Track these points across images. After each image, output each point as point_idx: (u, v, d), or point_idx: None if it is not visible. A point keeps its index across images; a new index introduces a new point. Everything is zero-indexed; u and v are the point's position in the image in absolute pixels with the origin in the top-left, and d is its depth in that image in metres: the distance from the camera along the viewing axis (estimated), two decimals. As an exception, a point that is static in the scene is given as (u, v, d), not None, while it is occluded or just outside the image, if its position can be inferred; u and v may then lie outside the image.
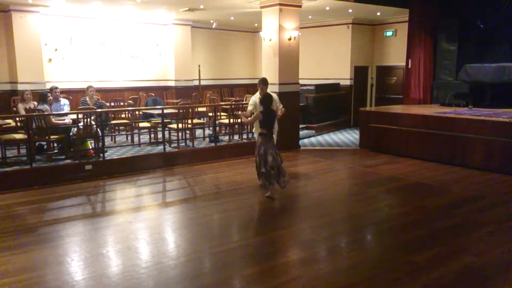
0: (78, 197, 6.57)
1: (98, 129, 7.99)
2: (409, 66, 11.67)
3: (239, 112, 8.10)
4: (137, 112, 10.29)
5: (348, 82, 13.73)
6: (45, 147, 7.93)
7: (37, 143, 7.90)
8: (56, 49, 11.79)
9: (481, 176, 7.66)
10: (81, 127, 7.81)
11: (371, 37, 13.99)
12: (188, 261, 4.31)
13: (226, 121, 9.96)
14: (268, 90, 7.22)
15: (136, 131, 9.36)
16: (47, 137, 7.60)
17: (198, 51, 14.68)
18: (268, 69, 10.04)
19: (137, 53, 13.34)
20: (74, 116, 8.04)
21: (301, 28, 10.40)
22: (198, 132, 10.19)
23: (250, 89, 15.28)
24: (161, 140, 8.80)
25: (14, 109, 9.26)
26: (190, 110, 9.28)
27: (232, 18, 13.16)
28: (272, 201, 6.32)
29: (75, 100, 10.61)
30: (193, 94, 13.04)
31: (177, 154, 8.63)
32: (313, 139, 11.57)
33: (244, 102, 10.46)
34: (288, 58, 9.90)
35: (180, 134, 9.02)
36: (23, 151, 8.07)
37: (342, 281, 3.91)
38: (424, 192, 6.85)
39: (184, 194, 6.93)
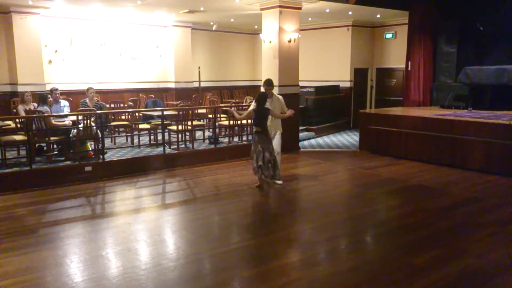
0: (78, 199, 6.56)
1: (98, 131, 7.99)
2: (409, 68, 11.68)
3: (232, 108, 8.12)
4: (137, 114, 10.30)
5: (348, 84, 13.74)
6: (45, 148, 7.93)
7: (37, 145, 7.89)
8: (56, 51, 11.80)
9: (481, 178, 7.66)
10: (81, 128, 7.80)
11: (371, 39, 14.01)
12: (187, 262, 4.31)
13: (226, 122, 9.96)
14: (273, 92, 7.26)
15: (136, 132, 9.35)
16: (47, 139, 7.60)
17: (198, 53, 14.70)
18: (268, 71, 10.04)
19: (137, 54, 13.35)
20: (74, 118, 8.05)
21: (301, 30, 10.41)
22: (198, 134, 10.19)
23: (250, 91, 15.32)
24: (161, 142, 8.80)
25: (14, 110, 9.26)
26: (190, 111, 9.29)
27: (232, 20, 13.19)
28: (261, 190, 6.83)
29: (75, 101, 10.62)
30: (193, 96, 13.06)
31: (177, 155, 8.63)
32: (313, 141, 11.57)
33: (244, 104, 10.47)
34: (288, 60, 9.91)
35: (180, 135, 9.01)
36: (22, 152, 8.07)
37: (342, 283, 3.91)
38: (424, 194, 6.85)
39: (184, 195, 6.93)
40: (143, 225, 5.48)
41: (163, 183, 7.60)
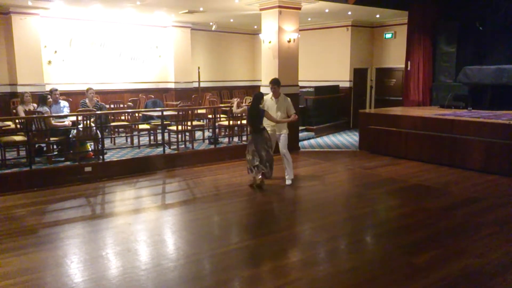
0: (78, 199, 6.56)
1: (98, 131, 7.99)
2: (409, 68, 11.69)
3: (235, 99, 8.10)
4: (136, 114, 10.30)
5: (347, 84, 13.74)
6: (45, 149, 7.93)
7: (36, 145, 7.89)
8: (55, 51, 11.80)
9: (480, 178, 7.66)
10: (80, 129, 7.80)
11: (370, 39, 14.02)
12: (187, 263, 4.31)
13: (226, 123, 9.96)
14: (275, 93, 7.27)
15: (135, 133, 9.36)
16: (46, 139, 7.59)
17: (198, 53, 14.70)
18: (268, 71, 10.04)
19: (137, 55, 13.35)
20: (74, 118, 8.04)
21: (300, 30, 10.41)
22: (198, 134, 10.19)
23: (249, 91, 15.31)
24: (160, 142, 8.81)
25: (14, 111, 9.26)
26: (189, 112, 9.28)
27: (231, 20, 13.19)
28: (254, 189, 6.95)
29: (75, 102, 10.62)
30: (193, 96, 13.06)
31: (176, 156, 8.63)
32: (312, 141, 11.57)
33: (244, 104, 10.44)
34: (288, 60, 9.91)
35: (179, 136, 9.01)
36: (22, 153, 8.07)
37: (342, 283, 3.91)
38: (424, 194, 6.85)
39: (183, 196, 6.93)
40: (143, 226, 5.48)
41: (163, 184, 7.60)
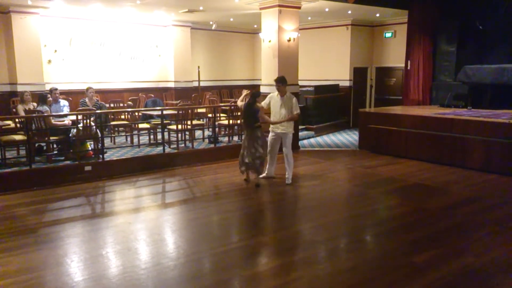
0: (78, 198, 6.56)
1: (98, 130, 7.99)
2: (409, 67, 11.69)
3: (245, 91, 8.04)
4: (136, 113, 10.29)
5: (347, 83, 13.74)
6: (45, 148, 7.93)
7: (36, 144, 7.90)
8: (55, 51, 11.79)
9: (480, 177, 7.67)
10: (80, 128, 7.81)
11: (370, 38, 14.01)
12: (187, 262, 4.31)
13: (226, 122, 9.96)
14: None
15: (135, 132, 9.36)
16: (46, 138, 7.60)
17: (198, 52, 14.70)
18: (268, 70, 10.05)
19: (137, 54, 13.34)
20: (74, 117, 8.05)
21: (300, 29, 10.41)
22: (198, 133, 10.19)
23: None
24: (160, 141, 8.81)
25: (14, 110, 9.26)
26: (189, 111, 9.28)
27: (231, 19, 13.18)
28: (246, 183, 7.19)
29: (75, 101, 10.61)
30: (193, 95, 13.06)
31: (176, 155, 8.63)
32: (312, 140, 11.58)
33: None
34: (288, 59, 9.91)
35: (179, 135, 9.02)
36: (22, 152, 8.08)
37: (342, 282, 3.91)
38: (424, 193, 6.86)
39: (183, 195, 6.93)
40: (143, 225, 5.48)
41: (163, 183, 7.61)
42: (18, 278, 3.95)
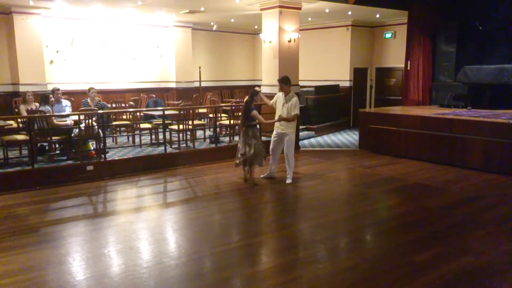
0: (80, 198, 6.60)
1: (100, 130, 8.03)
2: (408, 68, 11.71)
3: (259, 89, 8.08)
4: (138, 114, 10.34)
5: (347, 84, 13.77)
6: (47, 148, 7.97)
7: (38, 144, 7.94)
8: (57, 51, 11.83)
9: (480, 177, 7.69)
10: (82, 128, 7.85)
11: (370, 39, 14.04)
12: (189, 261, 4.35)
13: (227, 122, 10.00)
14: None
15: (137, 132, 9.40)
16: (48, 138, 7.64)
17: (199, 52, 14.73)
18: (268, 71, 10.09)
19: (138, 55, 13.38)
20: (76, 117, 8.09)
21: (301, 30, 10.45)
22: (199, 133, 10.23)
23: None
24: (162, 141, 8.85)
25: (16, 110, 9.31)
26: (190, 111, 9.32)
27: (232, 20, 13.21)
28: (244, 182, 7.32)
29: (77, 101, 10.67)
30: (194, 96, 13.09)
31: (178, 155, 8.67)
32: (313, 140, 11.61)
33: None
34: (288, 60, 9.95)
35: (180, 135, 9.06)
36: (25, 152, 8.12)
37: (342, 281, 3.94)
38: (424, 192, 6.89)
39: (185, 194, 6.97)
40: (145, 224, 5.52)
41: (164, 182, 7.64)
42: (20, 277, 3.99)
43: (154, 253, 4.54)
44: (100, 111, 8.38)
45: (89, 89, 9.18)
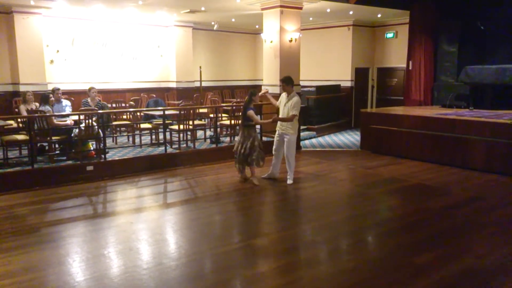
0: (80, 198, 6.58)
1: (100, 130, 8.01)
2: (410, 68, 11.69)
3: (266, 90, 8.06)
4: (138, 113, 10.32)
5: (349, 84, 13.75)
6: (47, 148, 7.95)
7: (38, 144, 7.92)
8: (58, 51, 11.82)
9: (482, 178, 7.66)
10: (82, 128, 7.83)
11: (372, 38, 14.01)
12: (189, 261, 4.33)
13: (227, 122, 9.97)
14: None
15: (137, 132, 9.38)
16: (48, 138, 7.62)
17: (199, 52, 14.72)
18: (269, 71, 10.06)
19: (139, 54, 13.37)
20: (76, 117, 8.07)
21: (302, 29, 10.42)
22: (199, 133, 10.21)
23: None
24: (162, 141, 8.82)
25: (16, 110, 9.29)
26: (191, 111, 9.30)
27: (233, 19, 13.20)
28: (244, 182, 7.33)
29: (77, 101, 10.65)
30: (194, 96, 13.07)
31: (178, 155, 8.65)
32: (314, 141, 11.58)
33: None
34: (289, 60, 9.92)
35: (181, 135, 9.04)
36: (24, 152, 8.10)
37: (343, 283, 3.92)
38: (425, 193, 6.86)
39: (185, 195, 6.94)
40: (145, 224, 5.50)
41: (165, 183, 7.62)
42: (20, 277, 3.97)
43: (154, 254, 4.52)
44: (100, 111, 8.36)
45: (90, 89, 9.16)
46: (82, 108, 8.60)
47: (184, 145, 9.20)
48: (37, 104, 8.41)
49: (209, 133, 10.09)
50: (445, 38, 11.24)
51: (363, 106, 13.75)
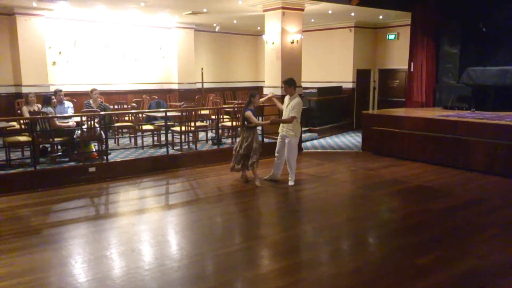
0: (82, 199, 6.60)
1: (102, 132, 8.03)
2: (412, 69, 11.68)
3: (271, 94, 8.05)
4: (140, 115, 10.33)
5: (350, 85, 13.75)
6: (49, 149, 7.97)
7: (41, 146, 7.94)
8: (60, 52, 11.86)
9: (483, 179, 7.66)
10: (85, 129, 7.85)
11: (373, 40, 14.02)
12: (191, 263, 4.33)
13: (229, 123, 9.98)
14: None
15: (139, 133, 9.40)
16: (51, 140, 7.64)
17: (201, 54, 14.74)
18: (271, 72, 10.07)
19: (141, 56, 13.41)
20: (78, 119, 8.08)
21: (303, 31, 10.43)
22: (201, 135, 10.22)
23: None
24: (164, 143, 8.84)
25: (19, 111, 9.32)
26: (193, 113, 9.31)
27: (235, 21, 13.22)
28: (245, 182, 7.39)
29: (79, 102, 10.67)
30: (196, 97, 13.08)
31: (180, 156, 8.66)
32: (315, 142, 11.58)
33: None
34: (291, 61, 9.94)
35: (183, 136, 9.05)
36: (27, 153, 8.12)
37: (345, 284, 3.92)
38: (427, 195, 6.85)
39: (187, 196, 6.95)
40: (147, 226, 5.51)
41: (167, 184, 7.63)
42: (22, 278, 3.98)
43: (156, 255, 4.52)
44: (102, 113, 8.38)
45: (92, 90, 9.18)
46: (84, 109, 8.61)
47: (186, 146, 9.21)
48: (40, 105, 8.43)
49: (210, 134, 10.10)
50: (447, 40, 11.24)
51: (364, 107, 13.75)
